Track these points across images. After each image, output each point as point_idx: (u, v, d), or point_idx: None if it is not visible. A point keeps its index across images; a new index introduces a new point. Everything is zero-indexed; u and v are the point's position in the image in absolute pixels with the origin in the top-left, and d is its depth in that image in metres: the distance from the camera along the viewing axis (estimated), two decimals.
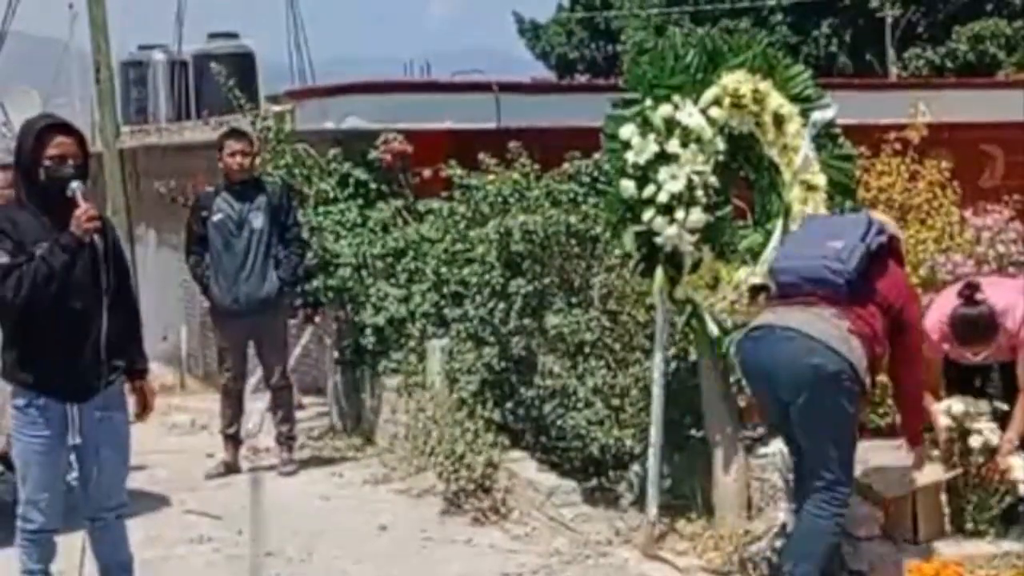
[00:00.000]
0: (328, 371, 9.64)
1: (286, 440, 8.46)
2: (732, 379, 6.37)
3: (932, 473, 5.85)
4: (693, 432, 6.74)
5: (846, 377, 5.17)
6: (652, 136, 5.97)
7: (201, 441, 9.32)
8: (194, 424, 10.05)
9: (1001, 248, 7.55)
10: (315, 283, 8.92)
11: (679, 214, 5.95)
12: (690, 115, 5.96)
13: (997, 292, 6.03)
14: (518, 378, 7.38)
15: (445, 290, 8.35)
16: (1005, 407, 5.97)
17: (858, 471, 5.57)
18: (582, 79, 25.17)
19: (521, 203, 8.04)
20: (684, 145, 5.94)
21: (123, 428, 5.17)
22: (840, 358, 5.17)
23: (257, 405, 9.04)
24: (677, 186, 5.92)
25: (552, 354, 7.19)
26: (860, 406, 5.42)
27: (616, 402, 6.96)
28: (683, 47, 6.11)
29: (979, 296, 5.94)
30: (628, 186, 6.02)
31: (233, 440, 8.47)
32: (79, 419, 4.97)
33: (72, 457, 5.05)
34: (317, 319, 9.40)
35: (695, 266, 6.12)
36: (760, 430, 6.67)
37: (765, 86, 6.08)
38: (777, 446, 6.09)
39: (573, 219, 7.45)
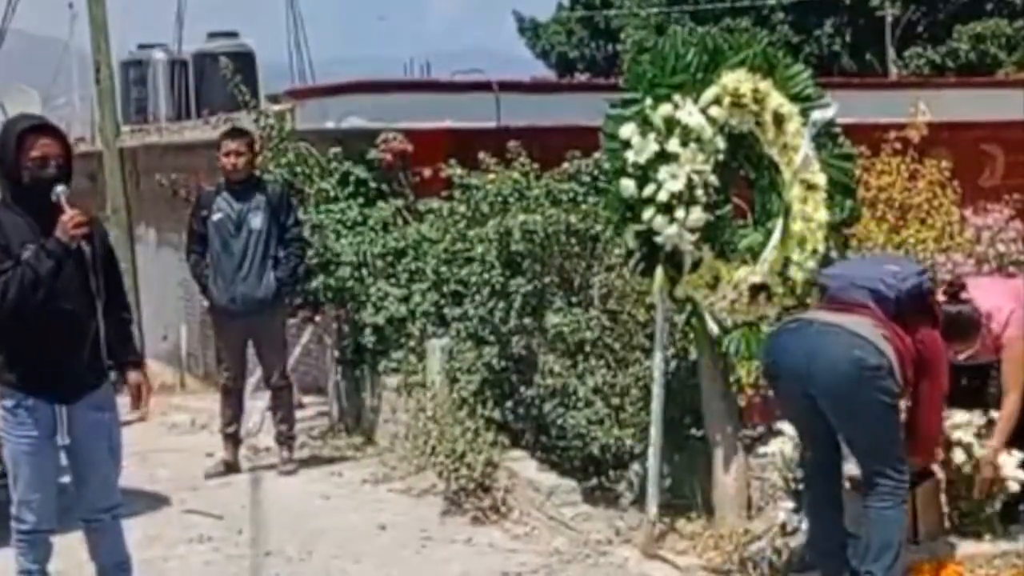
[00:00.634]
0: (328, 370, 9.64)
1: (286, 439, 8.46)
2: (732, 378, 6.36)
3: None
4: (693, 431, 6.74)
5: (885, 372, 5.19)
6: (652, 135, 5.95)
7: (201, 440, 9.31)
8: (194, 423, 10.05)
9: (1001, 247, 7.56)
10: (315, 283, 8.92)
11: (679, 213, 5.94)
12: (690, 114, 5.95)
13: (985, 294, 6.03)
14: (518, 377, 7.38)
15: (445, 289, 8.35)
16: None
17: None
18: (582, 78, 25.09)
19: (521, 202, 8.04)
20: (684, 144, 5.93)
21: (114, 429, 5.16)
22: (880, 354, 5.19)
23: (257, 404, 9.05)
24: (677, 185, 5.91)
25: (552, 353, 7.19)
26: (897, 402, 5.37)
27: (616, 401, 6.96)
28: (683, 46, 6.10)
29: (963, 295, 5.95)
30: (628, 185, 6.00)
31: (233, 439, 8.47)
32: (69, 420, 4.97)
33: (63, 458, 5.05)
34: (317, 319, 9.39)
35: (695, 265, 6.11)
36: (760, 430, 6.66)
37: (765, 85, 6.07)
38: (777, 446, 6.08)
39: (573, 218, 7.44)
